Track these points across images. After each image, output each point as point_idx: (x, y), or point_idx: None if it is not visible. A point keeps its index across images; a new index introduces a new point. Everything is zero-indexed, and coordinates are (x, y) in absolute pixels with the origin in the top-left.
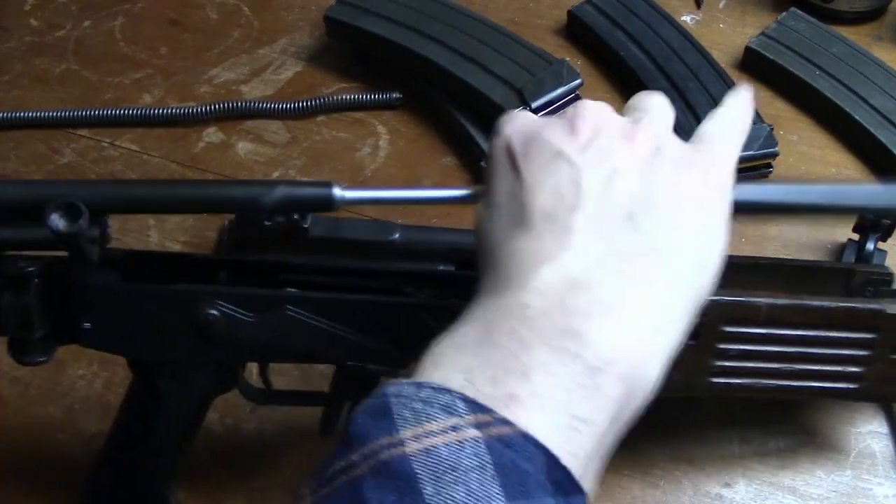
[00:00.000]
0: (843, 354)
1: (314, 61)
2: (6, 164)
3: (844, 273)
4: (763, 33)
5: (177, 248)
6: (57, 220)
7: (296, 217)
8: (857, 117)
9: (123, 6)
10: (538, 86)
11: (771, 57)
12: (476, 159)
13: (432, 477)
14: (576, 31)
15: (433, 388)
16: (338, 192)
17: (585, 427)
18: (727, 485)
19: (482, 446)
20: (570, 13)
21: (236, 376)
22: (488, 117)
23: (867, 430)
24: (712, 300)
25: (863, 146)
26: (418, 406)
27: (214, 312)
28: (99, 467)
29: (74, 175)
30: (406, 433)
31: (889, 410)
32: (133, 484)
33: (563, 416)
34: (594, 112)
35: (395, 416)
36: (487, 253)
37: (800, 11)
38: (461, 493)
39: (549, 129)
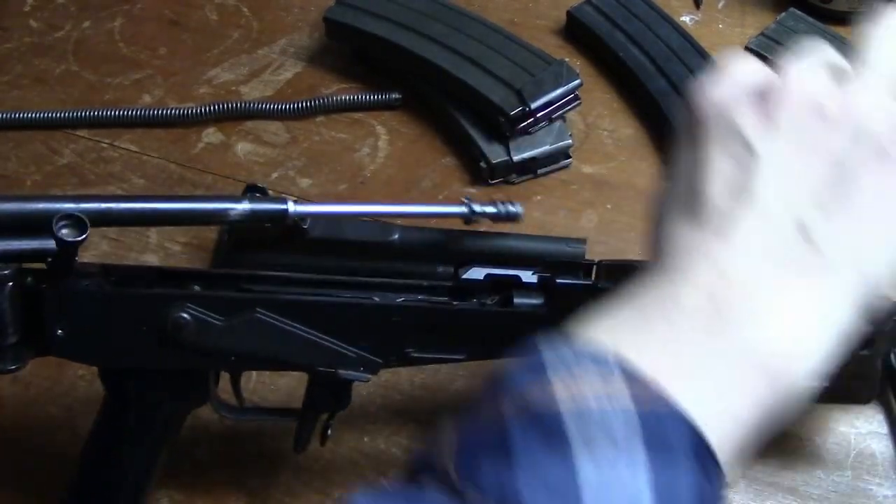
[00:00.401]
0: None
1: (314, 62)
2: (6, 165)
3: None
4: (762, 34)
5: (176, 248)
6: (67, 232)
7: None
8: None
9: (123, 7)
10: (537, 86)
11: (770, 57)
12: (475, 160)
13: (579, 426)
14: (575, 31)
15: (584, 344)
16: (291, 206)
17: (725, 419)
18: (727, 485)
19: (630, 402)
20: (569, 14)
21: (208, 390)
22: (488, 118)
23: (867, 430)
24: None
25: None
26: (569, 357)
27: (185, 316)
28: (73, 481)
29: (74, 175)
30: (557, 381)
31: (889, 410)
32: (107, 497)
33: (706, 403)
34: (804, 81)
35: (547, 366)
36: (655, 224)
37: (799, 12)
38: (605, 444)
39: (744, 104)
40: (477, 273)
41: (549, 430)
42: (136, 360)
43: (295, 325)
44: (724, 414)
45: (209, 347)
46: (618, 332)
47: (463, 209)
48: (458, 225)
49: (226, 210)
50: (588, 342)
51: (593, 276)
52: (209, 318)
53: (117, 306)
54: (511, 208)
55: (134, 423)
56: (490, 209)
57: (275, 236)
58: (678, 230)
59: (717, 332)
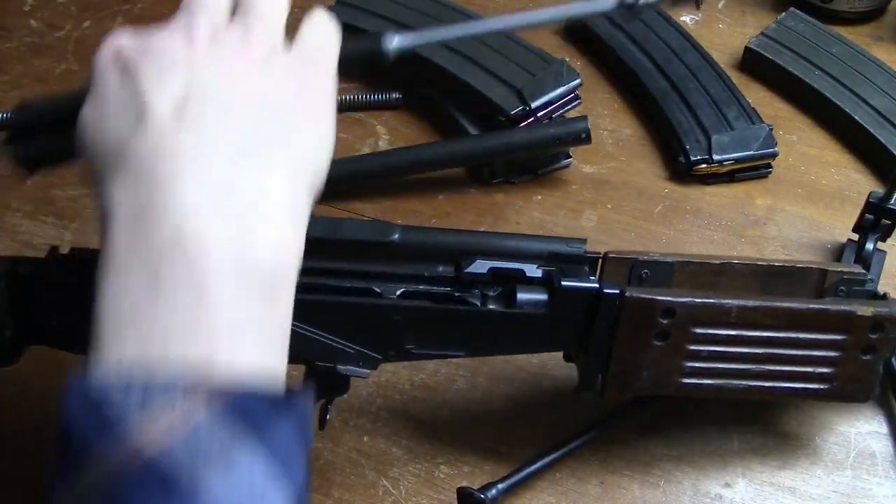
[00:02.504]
0: (814, 356)
1: None
2: (6, 164)
3: (818, 273)
4: (762, 33)
5: None
6: None
7: None
8: (856, 117)
9: (123, 7)
10: (538, 86)
11: (770, 57)
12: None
13: (183, 467)
14: (575, 31)
15: (147, 375)
16: None
17: (268, 351)
18: (727, 485)
19: (204, 409)
20: None
21: None
22: (488, 117)
23: (867, 430)
24: (682, 302)
25: (862, 146)
26: (138, 398)
27: None
28: None
29: (74, 176)
30: (140, 433)
31: (889, 411)
32: None
33: (246, 350)
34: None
35: (119, 415)
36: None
37: (799, 12)
38: (217, 475)
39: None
40: (480, 267)
41: (163, 476)
42: None
43: (292, 322)
44: (264, 346)
45: None
46: (149, 326)
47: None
48: (459, 224)
49: None
50: (136, 360)
51: (598, 270)
52: None
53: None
54: None
55: None
56: None
57: None
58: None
59: (240, 250)
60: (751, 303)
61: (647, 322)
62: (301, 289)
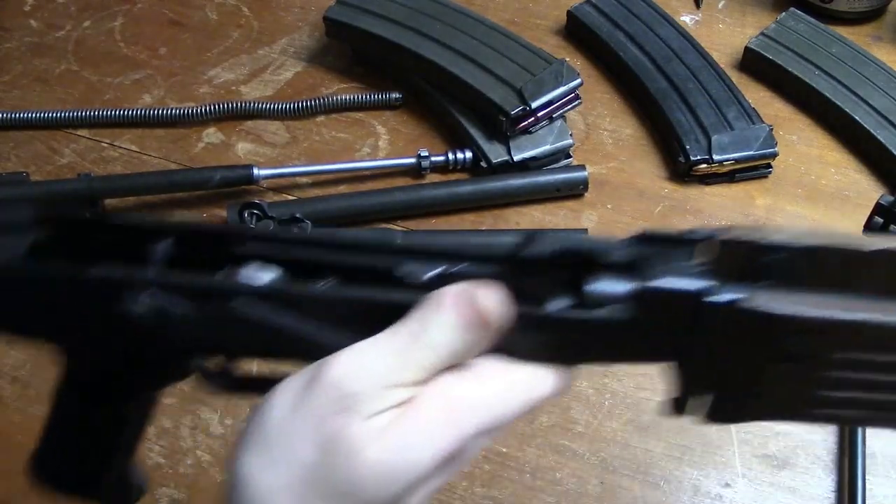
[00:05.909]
0: None
1: (314, 62)
2: (6, 165)
3: None
4: (762, 33)
5: None
6: None
7: (296, 231)
8: (856, 117)
9: (123, 6)
10: (538, 85)
11: (770, 57)
12: (476, 159)
13: None
14: (575, 31)
15: None
16: (256, 171)
17: None
18: (727, 485)
19: None
20: (569, 13)
21: (189, 364)
22: (488, 117)
23: (867, 430)
24: (820, 318)
25: (862, 146)
26: None
27: (138, 308)
28: (39, 443)
29: (74, 176)
30: None
31: None
32: (72, 461)
33: None
34: None
35: None
36: None
37: (799, 12)
38: None
39: None
40: (546, 245)
41: None
42: (77, 343)
43: (284, 316)
44: None
45: (172, 340)
46: None
47: (411, 160)
48: (459, 224)
49: (209, 177)
50: None
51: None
52: (170, 309)
53: (52, 283)
54: (460, 155)
55: (92, 389)
56: (440, 158)
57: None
58: None
59: None
60: None
61: (768, 341)
62: (313, 267)
